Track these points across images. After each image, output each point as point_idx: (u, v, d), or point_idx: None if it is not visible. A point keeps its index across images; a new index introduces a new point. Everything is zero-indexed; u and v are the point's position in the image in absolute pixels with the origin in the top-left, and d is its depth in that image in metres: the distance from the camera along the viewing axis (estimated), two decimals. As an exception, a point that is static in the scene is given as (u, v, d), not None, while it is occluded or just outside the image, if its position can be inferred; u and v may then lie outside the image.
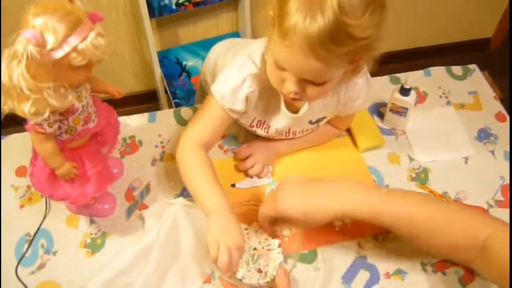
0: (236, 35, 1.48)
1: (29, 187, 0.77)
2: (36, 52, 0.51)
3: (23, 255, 0.70)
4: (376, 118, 0.89)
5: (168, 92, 1.36)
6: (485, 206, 0.78)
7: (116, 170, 0.78)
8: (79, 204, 0.70)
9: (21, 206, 0.76)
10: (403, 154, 0.84)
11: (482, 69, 1.00)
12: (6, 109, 0.54)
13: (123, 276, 0.66)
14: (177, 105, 1.32)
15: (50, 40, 0.52)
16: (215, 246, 0.59)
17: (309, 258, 0.71)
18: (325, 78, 0.58)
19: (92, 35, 0.54)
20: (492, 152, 0.86)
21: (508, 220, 0.73)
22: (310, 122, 0.76)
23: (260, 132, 0.77)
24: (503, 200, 0.79)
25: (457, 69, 0.99)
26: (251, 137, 0.82)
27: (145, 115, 0.88)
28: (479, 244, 0.57)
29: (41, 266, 0.70)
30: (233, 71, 0.68)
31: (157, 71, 1.40)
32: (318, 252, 0.71)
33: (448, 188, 0.80)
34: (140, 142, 0.84)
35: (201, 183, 0.66)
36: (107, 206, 0.74)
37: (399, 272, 0.70)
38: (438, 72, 0.98)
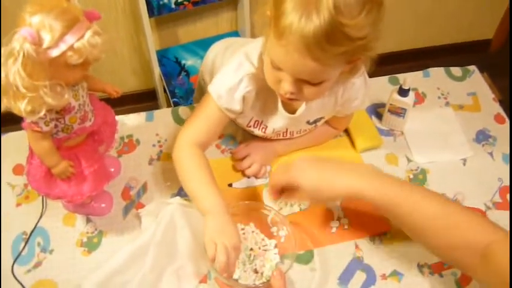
0: (235, 34, 1.47)
1: (25, 185, 0.77)
2: (32, 50, 0.51)
3: (19, 254, 0.70)
4: (374, 119, 0.89)
5: (167, 91, 1.36)
6: (483, 208, 0.78)
7: (112, 169, 0.78)
8: (75, 203, 0.70)
9: (18, 205, 0.76)
10: (401, 155, 0.84)
11: (481, 70, 1.00)
12: (2, 107, 0.54)
13: (119, 275, 0.66)
14: (176, 104, 1.32)
15: (47, 38, 0.52)
16: (213, 246, 0.59)
17: (305, 258, 0.71)
18: (321, 78, 0.58)
19: (88, 33, 0.54)
20: (491, 153, 0.86)
21: (507, 222, 0.74)
22: (308, 123, 0.76)
23: (257, 132, 0.77)
24: (501, 201, 0.79)
25: (456, 70, 0.98)
26: (249, 137, 0.82)
27: (143, 114, 0.88)
28: (479, 249, 0.56)
29: (37, 265, 0.69)
30: (230, 71, 0.68)
31: (156, 70, 1.40)
32: (314, 253, 0.71)
33: (446, 190, 0.79)
34: (138, 141, 0.84)
35: (197, 183, 0.65)
36: (103, 205, 0.74)
37: (396, 274, 0.70)
38: (437, 73, 0.98)
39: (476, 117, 0.91)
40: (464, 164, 0.84)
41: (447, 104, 0.93)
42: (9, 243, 0.71)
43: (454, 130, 0.88)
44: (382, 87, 0.92)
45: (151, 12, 1.30)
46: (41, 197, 0.75)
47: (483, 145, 0.87)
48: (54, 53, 0.53)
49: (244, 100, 0.69)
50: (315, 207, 0.76)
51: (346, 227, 0.74)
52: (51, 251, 0.71)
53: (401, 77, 0.95)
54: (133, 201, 0.76)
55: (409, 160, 0.84)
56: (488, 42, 1.91)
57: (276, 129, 0.75)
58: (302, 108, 0.70)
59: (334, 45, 0.51)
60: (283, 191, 0.66)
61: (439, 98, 0.94)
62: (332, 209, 0.76)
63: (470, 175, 0.82)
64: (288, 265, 0.65)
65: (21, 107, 0.54)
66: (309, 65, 0.54)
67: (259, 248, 0.68)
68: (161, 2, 1.29)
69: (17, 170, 0.79)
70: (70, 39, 0.53)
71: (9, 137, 0.83)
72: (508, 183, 0.81)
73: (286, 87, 0.59)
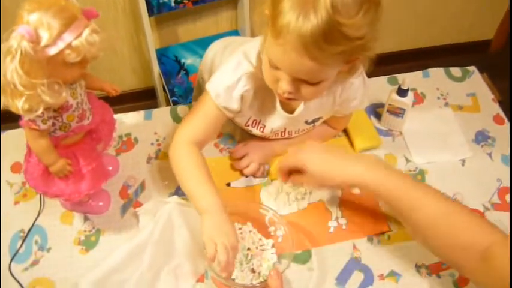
0: (235, 33, 1.47)
1: (24, 183, 0.77)
2: (30, 48, 0.51)
3: (17, 252, 0.70)
4: (373, 119, 0.89)
5: (166, 89, 1.36)
6: (481, 209, 0.78)
7: (110, 168, 0.78)
8: (73, 201, 0.70)
9: (16, 202, 0.76)
10: (399, 155, 0.84)
11: (481, 71, 1.00)
12: (2, 105, 0.54)
13: (117, 274, 0.66)
14: (175, 103, 1.32)
15: (44, 36, 0.52)
16: (212, 245, 0.58)
17: (302, 258, 0.71)
18: (319, 78, 0.58)
19: (86, 31, 0.54)
20: (489, 154, 0.85)
21: (506, 223, 0.74)
22: (306, 122, 0.76)
23: (255, 131, 0.77)
24: (500, 203, 0.79)
25: (456, 71, 0.98)
26: (247, 136, 0.82)
27: (142, 113, 0.88)
28: (479, 251, 0.56)
29: (35, 263, 0.69)
30: (228, 69, 0.68)
31: (156, 69, 1.40)
32: (312, 253, 0.71)
33: (445, 190, 0.77)
34: (136, 140, 0.84)
35: (194, 181, 0.65)
36: (101, 203, 0.74)
37: (393, 274, 0.70)
38: (437, 73, 0.98)
39: (476, 118, 0.90)
40: (463, 165, 0.84)
41: (446, 104, 0.92)
42: (7, 241, 0.71)
43: (453, 131, 0.88)
44: (381, 87, 0.92)
45: (151, 10, 1.30)
46: (38, 195, 0.75)
47: (482, 146, 0.87)
48: (52, 51, 0.53)
49: (242, 99, 0.69)
50: (313, 207, 0.76)
51: (344, 227, 0.74)
52: (48, 249, 0.71)
53: (400, 77, 0.94)
54: (131, 200, 0.76)
55: (407, 160, 0.84)
56: (488, 42, 1.91)
57: (274, 128, 0.75)
58: (300, 108, 0.70)
59: (331, 44, 0.51)
60: (291, 174, 0.68)
61: (438, 98, 0.93)
62: (330, 209, 0.76)
63: (469, 176, 0.82)
64: (285, 265, 0.65)
65: (18, 105, 0.54)
66: (306, 64, 0.54)
67: (257, 248, 0.68)
68: (161, 1, 1.29)
69: (15, 168, 0.79)
70: (68, 37, 0.53)
71: (7, 135, 0.83)
72: (507, 184, 0.81)
73: (284, 86, 0.59)
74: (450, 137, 0.87)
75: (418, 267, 0.71)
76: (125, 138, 0.84)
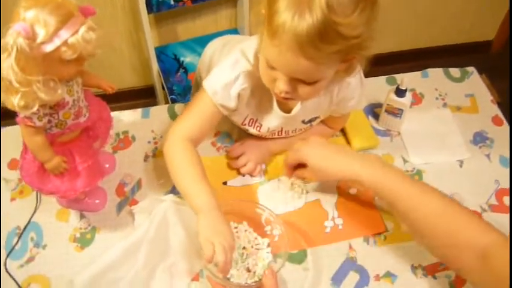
0: (235, 31, 1.47)
1: (20, 180, 0.77)
2: (26, 45, 0.51)
3: (13, 248, 0.70)
4: (371, 119, 0.89)
5: (165, 88, 1.36)
6: (478, 210, 0.78)
7: (107, 165, 0.78)
8: (69, 199, 0.70)
9: (12, 199, 0.76)
10: (397, 156, 0.84)
11: (480, 72, 0.99)
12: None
13: (112, 272, 0.66)
14: (174, 101, 1.32)
15: (41, 33, 0.52)
16: (210, 246, 0.58)
17: (298, 258, 0.71)
18: (316, 78, 0.58)
19: (83, 29, 0.54)
20: (488, 155, 0.85)
21: (503, 224, 0.73)
22: (303, 122, 0.76)
23: (252, 130, 0.77)
24: (498, 204, 0.79)
25: (455, 71, 0.98)
26: (244, 135, 0.81)
27: (139, 110, 0.88)
28: (477, 250, 0.56)
29: (30, 260, 0.69)
30: (226, 67, 0.68)
31: (155, 67, 1.39)
32: (307, 253, 0.71)
33: (442, 191, 0.79)
34: (133, 137, 0.84)
35: (189, 179, 0.65)
36: (97, 201, 0.74)
37: (389, 275, 0.70)
38: (436, 73, 0.97)
39: (474, 119, 0.90)
40: (460, 166, 0.83)
41: (445, 105, 0.92)
42: (3, 238, 0.71)
43: (451, 131, 0.88)
44: (379, 87, 0.92)
45: (150, 8, 1.29)
46: (35, 192, 0.75)
47: (480, 147, 0.86)
48: (48, 48, 0.53)
49: (239, 97, 0.69)
50: (309, 207, 0.76)
51: (340, 227, 0.74)
52: (44, 246, 0.71)
53: (399, 77, 0.94)
54: (127, 198, 0.76)
55: (405, 161, 0.83)
56: (489, 43, 1.90)
57: (271, 128, 0.75)
58: (297, 107, 0.70)
59: (327, 44, 0.51)
60: (295, 168, 0.72)
61: (436, 99, 0.93)
62: (326, 208, 0.76)
63: (467, 177, 0.82)
64: (280, 264, 0.65)
65: (14, 102, 0.54)
66: (302, 64, 0.54)
67: (252, 247, 0.68)
68: (160, -1, 1.29)
69: (12, 164, 0.79)
70: (64, 34, 0.53)
71: (4, 132, 0.82)
72: (505, 185, 0.81)
73: (281, 86, 0.59)
74: (448, 138, 0.87)
75: (414, 268, 0.71)
76: (122, 136, 0.84)
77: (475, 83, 0.96)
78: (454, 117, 0.90)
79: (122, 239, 0.69)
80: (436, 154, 0.84)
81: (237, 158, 0.79)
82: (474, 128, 0.89)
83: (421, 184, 0.66)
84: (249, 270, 0.66)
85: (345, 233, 0.73)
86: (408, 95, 0.82)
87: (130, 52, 1.52)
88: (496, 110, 0.92)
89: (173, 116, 0.87)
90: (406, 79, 0.81)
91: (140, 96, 1.57)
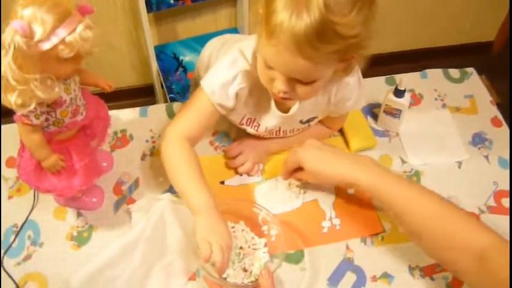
0: (235, 31, 1.47)
1: (18, 178, 0.77)
2: (23, 43, 0.51)
3: (10, 246, 0.70)
4: (369, 119, 0.89)
5: (164, 87, 1.36)
6: (476, 212, 0.78)
7: (105, 164, 0.78)
8: (66, 197, 0.70)
9: (10, 197, 0.76)
10: (395, 156, 0.84)
11: (480, 73, 0.99)
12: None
13: (109, 270, 0.66)
14: (173, 100, 1.32)
15: (38, 31, 0.52)
16: (207, 246, 0.58)
17: (295, 258, 0.70)
18: (314, 77, 0.58)
19: (80, 27, 0.54)
20: (486, 157, 0.85)
21: (501, 226, 0.73)
22: (301, 122, 0.76)
23: (250, 130, 0.77)
24: (496, 206, 0.79)
25: (454, 72, 0.98)
26: (242, 134, 0.81)
27: (137, 109, 0.88)
28: (474, 252, 0.56)
29: (27, 258, 0.69)
30: (224, 66, 0.68)
31: (154, 66, 1.39)
32: (305, 253, 0.71)
33: (440, 192, 0.76)
34: (131, 136, 0.84)
35: (186, 179, 0.65)
36: (94, 199, 0.74)
37: (386, 276, 0.70)
38: (435, 74, 0.97)
39: (473, 120, 0.90)
40: (459, 167, 0.83)
41: (444, 105, 0.92)
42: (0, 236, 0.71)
43: (450, 132, 0.88)
44: (379, 88, 0.92)
45: (150, 7, 1.29)
46: (32, 190, 0.75)
47: (479, 148, 0.86)
48: (46, 46, 0.53)
49: (237, 97, 0.69)
50: (307, 207, 0.76)
51: (337, 227, 0.74)
52: (41, 244, 0.71)
53: (398, 77, 0.94)
54: (124, 197, 0.76)
55: (403, 161, 0.83)
56: (490, 44, 1.90)
57: (269, 127, 0.75)
58: (295, 107, 0.70)
59: (325, 43, 0.51)
60: (294, 171, 0.73)
61: (435, 99, 0.93)
62: (324, 209, 0.76)
63: (465, 178, 0.82)
64: (277, 264, 0.64)
65: (11, 100, 0.54)
66: (300, 64, 0.53)
67: (249, 247, 0.68)
68: (160, -3, 1.29)
69: (10, 162, 0.79)
70: (62, 32, 0.53)
71: (2, 130, 0.82)
72: (503, 187, 0.81)
73: (279, 86, 0.59)
74: (447, 139, 0.87)
75: (411, 269, 0.70)
76: (120, 135, 0.84)
77: (474, 84, 0.96)
78: (453, 118, 0.90)
79: (119, 237, 0.69)
80: (435, 155, 0.84)
81: (235, 157, 0.79)
82: (473, 129, 0.88)
83: (417, 187, 0.66)
84: (245, 270, 0.66)
85: (343, 234, 0.73)
86: (407, 95, 0.82)
87: (130, 51, 1.51)
88: (495, 111, 0.92)
89: (171, 115, 0.87)
90: (405, 79, 0.81)
91: (140, 95, 1.57)
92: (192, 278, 0.68)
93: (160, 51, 1.41)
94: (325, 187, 0.77)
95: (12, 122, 0.60)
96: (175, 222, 0.69)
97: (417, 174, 0.82)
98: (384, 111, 0.85)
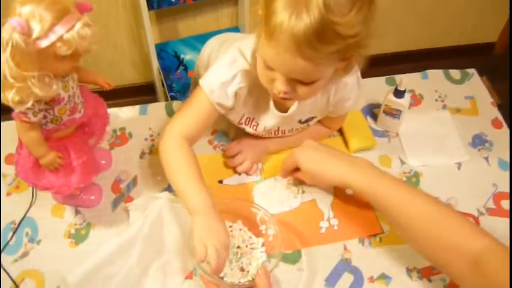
0: (236, 29, 1.47)
1: (16, 175, 0.77)
2: (21, 40, 0.51)
3: (7, 243, 0.70)
4: (369, 119, 0.88)
5: (165, 85, 1.35)
6: (475, 214, 0.77)
7: (103, 162, 0.78)
8: (64, 194, 0.70)
9: (8, 194, 0.76)
10: (394, 157, 0.83)
11: (481, 74, 0.99)
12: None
13: (106, 268, 0.66)
14: (173, 98, 1.32)
15: (36, 29, 0.52)
16: (203, 248, 0.58)
17: (292, 258, 0.70)
18: (314, 77, 0.57)
19: (78, 25, 0.54)
20: (486, 158, 0.85)
21: (500, 228, 0.73)
22: (300, 122, 0.76)
23: (248, 129, 0.77)
24: (495, 208, 0.78)
25: (455, 73, 0.97)
26: (241, 133, 0.81)
27: (137, 107, 0.87)
28: (469, 255, 0.56)
29: (25, 255, 0.69)
30: (223, 66, 0.68)
31: (155, 64, 1.39)
32: (302, 253, 0.71)
33: (439, 194, 0.78)
34: (130, 134, 0.84)
35: (184, 178, 0.65)
36: (92, 197, 0.74)
37: (384, 277, 0.70)
38: (435, 75, 0.97)
39: (473, 121, 0.89)
40: (459, 168, 0.83)
41: (444, 106, 0.91)
42: (-2, 232, 0.72)
43: (450, 133, 0.87)
44: (379, 88, 0.91)
45: (151, 5, 1.29)
46: (31, 188, 0.75)
47: (479, 149, 0.86)
48: (44, 43, 0.53)
49: (236, 96, 0.69)
50: (305, 207, 0.76)
51: (335, 228, 0.74)
52: (38, 242, 0.71)
53: (398, 77, 0.93)
54: (122, 195, 0.76)
55: (402, 162, 0.83)
56: (492, 45, 1.89)
57: (268, 127, 0.75)
58: (294, 107, 0.70)
59: (325, 43, 0.51)
60: (293, 172, 0.73)
61: (436, 100, 0.92)
62: (322, 209, 0.76)
63: (465, 180, 0.81)
64: (274, 264, 0.64)
65: (9, 97, 0.54)
66: (300, 64, 0.53)
67: (247, 246, 0.68)
68: (161, -5, 1.29)
69: (9, 159, 0.79)
70: (60, 30, 0.53)
71: (2, 126, 0.82)
72: (503, 189, 0.80)
73: (279, 86, 0.59)
74: (447, 140, 0.86)
75: (409, 271, 0.70)
76: (119, 133, 0.84)
77: (475, 85, 0.95)
78: (453, 119, 0.89)
79: (117, 235, 0.69)
80: (434, 156, 0.84)
81: (234, 156, 0.79)
82: (473, 131, 0.88)
83: (413, 189, 0.65)
84: (242, 270, 0.65)
85: (340, 234, 0.73)
86: (407, 96, 0.82)
87: (131, 48, 1.51)
88: (495, 113, 0.91)
89: (171, 114, 0.87)
90: (406, 80, 0.80)
91: (140, 93, 1.57)
92: (189, 276, 0.68)
93: (161, 49, 1.41)
94: (323, 187, 0.77)
95: (12, 118, 0.60)
96: (172, 221, 0.69)
97: (416, 175, 0.81)
98: (384, 112, 0.84)
